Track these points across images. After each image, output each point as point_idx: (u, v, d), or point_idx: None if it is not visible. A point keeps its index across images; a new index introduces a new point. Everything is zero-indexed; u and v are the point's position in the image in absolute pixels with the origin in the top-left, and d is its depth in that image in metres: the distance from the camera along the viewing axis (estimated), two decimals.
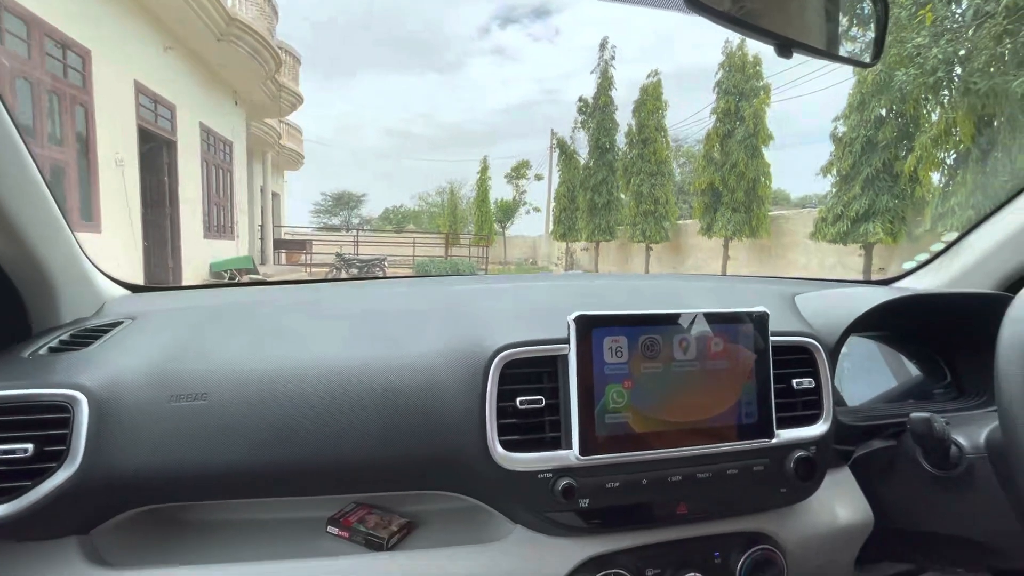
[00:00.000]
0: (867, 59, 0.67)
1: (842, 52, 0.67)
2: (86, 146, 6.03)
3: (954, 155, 7.61)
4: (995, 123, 6.83)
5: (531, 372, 0.69)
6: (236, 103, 10.38)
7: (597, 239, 16.84)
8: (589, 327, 0.67)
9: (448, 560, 0.71)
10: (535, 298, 0.91)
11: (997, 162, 6.81)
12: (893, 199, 8.96)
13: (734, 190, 12.45)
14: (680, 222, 15.95)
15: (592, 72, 17.05)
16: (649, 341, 0.70)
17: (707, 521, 0.77)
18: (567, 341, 0.68)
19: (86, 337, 0.76)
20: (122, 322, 0.81)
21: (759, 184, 12.39)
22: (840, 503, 0.86)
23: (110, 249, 6.11)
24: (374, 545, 0.73)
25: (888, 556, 0.90)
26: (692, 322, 0.71)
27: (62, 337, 0.75)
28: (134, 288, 0.98)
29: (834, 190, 9.81)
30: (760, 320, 0.73)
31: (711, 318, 0.72)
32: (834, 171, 9.76)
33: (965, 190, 7.14)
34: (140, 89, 7.08)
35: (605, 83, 16.80)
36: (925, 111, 8.47)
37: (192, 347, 0.72)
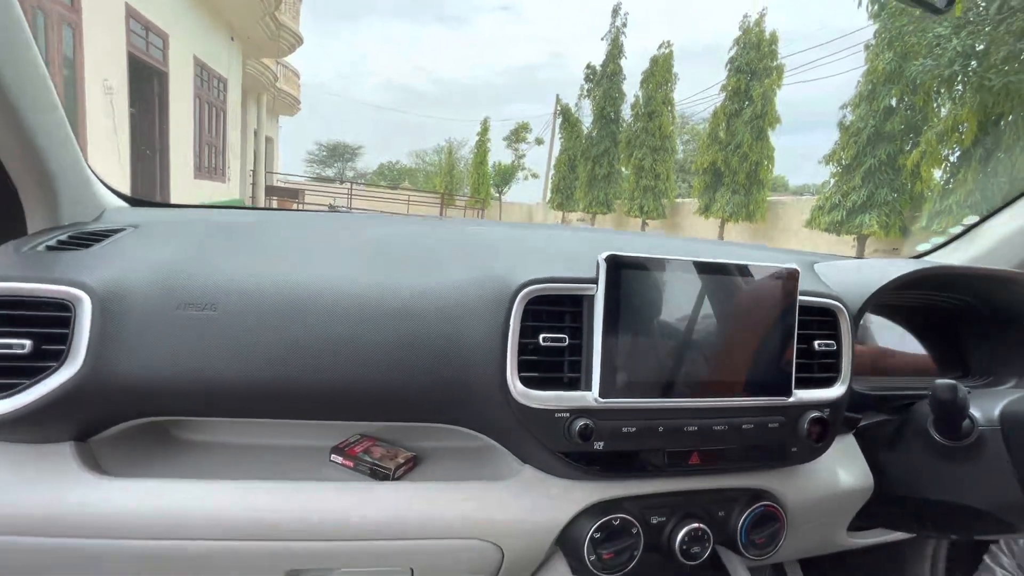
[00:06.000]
0: (940, 3, 0.63)
1: None
2: (73, 70, 5.74)
3: (958, 153, 7.56)
4: (1002, 123, 6.76)
5: (553, 311, 0.67)
6: (232, 38, 9.92)
7: (594, 211, 16.72)
8: (619, 268, 0.65)
9: (455, 493, 0.70)
10: (557, 241, 0.88)
11: (999, 163, 6.78)
12: (892, 192, 8.94)
13: (736, 171, 12.37)
14: (678, 200, 15.87)
15: (602, 39, 16.62)
16: (678, 288, 0.68)
17: (716, 474, 0.77)
18: (595, 281, 0.65)
19: (86, 239, 0.71)
20: (124, 229, 0.77)
21: (761, 167, 12.33)
22: (843, 468, 0.86)
23: None
24: (379, 475, 0.72)
25: (881, 523, 0.92)
26: (722, 273, 0.69)
27: (60, 237, 0.71)
28: (133, 201, 0.93)
29: (833, 179, 9.75)
30: (791, 277, 0.71)
31: (741, 270, 0.70)
32: (836, 159, 9.68)
33: (964, 189, 7.12)
34: (131, 13, 6.71)
35: (615, 51, 16.39)
36: (935, 105, 8.35)
37: (200, 257, 0.69)
